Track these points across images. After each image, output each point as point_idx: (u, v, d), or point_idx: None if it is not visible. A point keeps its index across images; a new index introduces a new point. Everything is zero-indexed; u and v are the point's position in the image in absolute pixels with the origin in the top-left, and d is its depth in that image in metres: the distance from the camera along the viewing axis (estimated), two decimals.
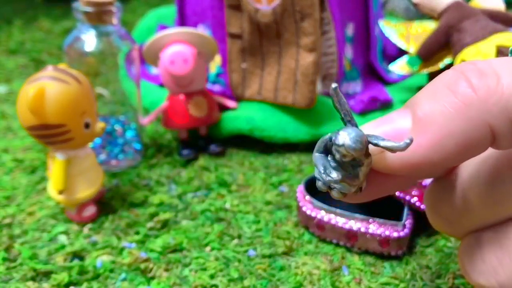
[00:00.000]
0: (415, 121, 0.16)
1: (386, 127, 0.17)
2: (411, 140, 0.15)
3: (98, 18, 0.41)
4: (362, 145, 0.16)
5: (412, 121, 0.16)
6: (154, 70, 0.61)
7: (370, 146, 0.17)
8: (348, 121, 0.17)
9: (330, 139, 0.17)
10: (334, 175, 0.17)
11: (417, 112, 0.16)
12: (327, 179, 0.17)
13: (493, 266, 0.17)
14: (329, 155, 0.18)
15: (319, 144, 0.18)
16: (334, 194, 0.18)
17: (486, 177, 0.17)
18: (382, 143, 0.16)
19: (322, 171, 0.17)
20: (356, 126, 0.17)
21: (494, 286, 0.17)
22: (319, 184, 0.18)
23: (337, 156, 0.17)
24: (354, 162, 0.17)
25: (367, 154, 0.17)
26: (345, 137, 0.16)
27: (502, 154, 0.17)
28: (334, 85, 0.16)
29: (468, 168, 0.18)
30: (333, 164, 0.17)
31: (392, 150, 0.16)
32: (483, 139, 0.15)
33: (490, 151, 0.17)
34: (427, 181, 0.35)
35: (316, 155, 0.18)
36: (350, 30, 0.55)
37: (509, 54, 0.16)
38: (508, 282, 0.17)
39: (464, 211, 0.18)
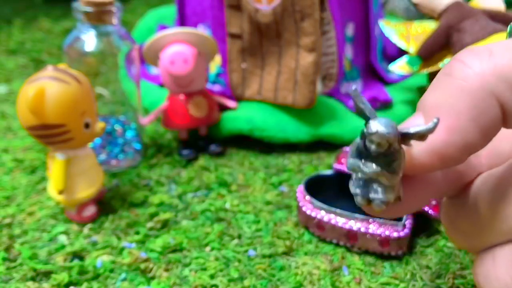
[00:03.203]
0: (426, 113, 0.17)
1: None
2: (438, 119, 0.16)
3: (98, 18, 0.41)
4: (395, 130, 0.16)
5: (423, 117, 0.17)
6: (154, 70, 0.61)
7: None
8: (374, 118, 0.17)
9: (361, 137, 0.17)
10: (374, 166, 0.17)
11: (425, 106, 0.17)
12: (367, 170, 0.17)
13: (506, 283, 0.18)
14: (362, 159, 0.18)
15: (351, 149, 0.18)
16: (376, 206, 0.18)
17: (502, 195, 0.17)
18: (412, 130, 0.16)
19: (362, 165, 0.17)
20: None
21: None
22: (358, 199, 0.18)
23: (372, 147, 0.17)
24: (389, 153, 0.17)
25: (400, 145, 0.17)
26: (377, 124, 0.16)
27: None
28: (354, 86, 0.17)
29: (485, 185, 0.18)
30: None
31: (423, 135, 0.16)
32: (492, 108, 0.16)
33: (505, 168, 0.18)
34: None
35: (351, 161, 0.18)
36: (350, 30, 0.55)
37: (507, 36, 0.17)
38: None
39: (481, 226, 0.19)
